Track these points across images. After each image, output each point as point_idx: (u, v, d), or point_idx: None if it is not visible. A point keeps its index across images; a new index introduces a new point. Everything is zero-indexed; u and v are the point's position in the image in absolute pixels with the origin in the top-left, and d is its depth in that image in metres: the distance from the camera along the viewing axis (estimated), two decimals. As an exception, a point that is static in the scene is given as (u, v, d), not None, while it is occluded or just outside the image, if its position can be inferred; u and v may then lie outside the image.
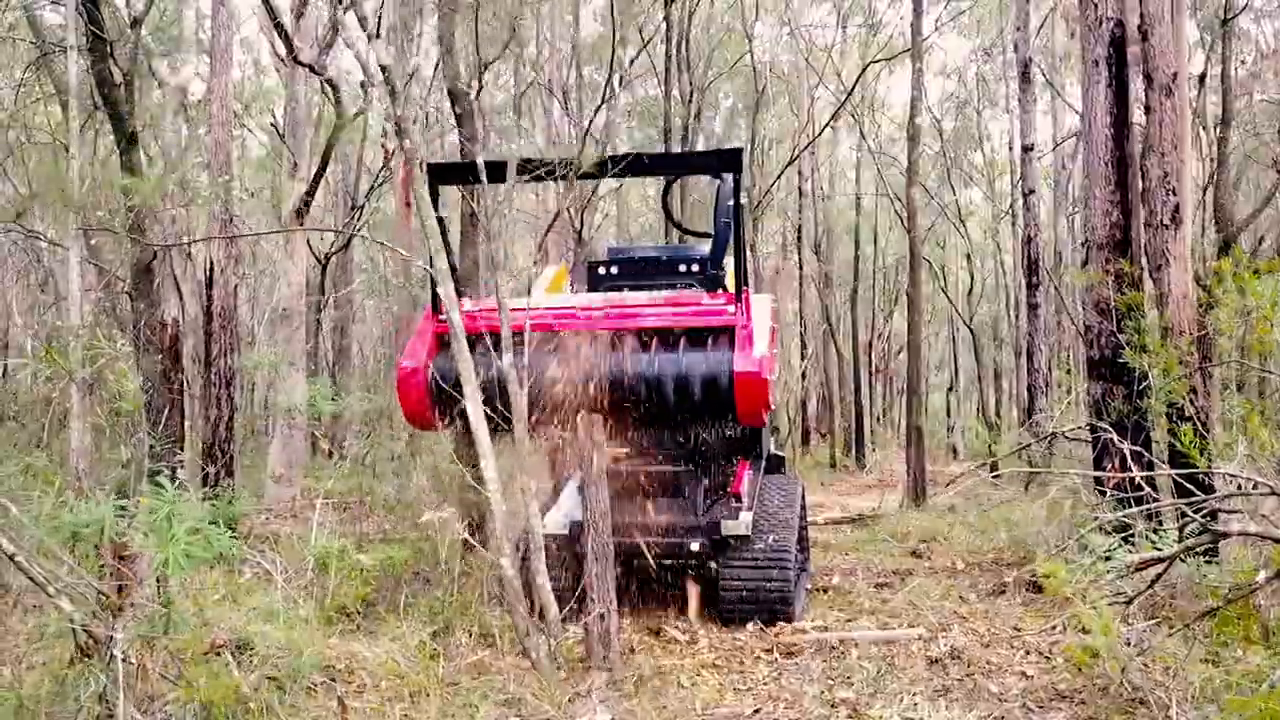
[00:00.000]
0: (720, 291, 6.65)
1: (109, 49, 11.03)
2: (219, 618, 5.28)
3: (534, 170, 6.02)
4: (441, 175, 6.17)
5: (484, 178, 5.88)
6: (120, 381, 4.47)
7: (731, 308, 6.10)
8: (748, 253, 6.51)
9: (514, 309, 6.42)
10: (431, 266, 6.05)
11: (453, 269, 6.45)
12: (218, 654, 4.72)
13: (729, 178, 6.64)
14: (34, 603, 4.22)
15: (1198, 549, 4.54)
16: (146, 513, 3.34)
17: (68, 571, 3.69)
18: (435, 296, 6.25)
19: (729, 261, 7.00)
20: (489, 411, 5.89)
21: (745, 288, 6.11)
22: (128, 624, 3.45)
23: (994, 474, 15.52)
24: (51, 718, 3.50)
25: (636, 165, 5.76)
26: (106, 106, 11.64)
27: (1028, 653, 5.93)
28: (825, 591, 8.33)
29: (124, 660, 3.54)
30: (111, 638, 3.31)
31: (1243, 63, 20.83)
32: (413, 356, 6.24)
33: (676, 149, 20.87)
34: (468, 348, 5.70)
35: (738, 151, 5.68)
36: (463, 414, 5.75)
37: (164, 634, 3.44)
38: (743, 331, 5.98)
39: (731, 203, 6.27)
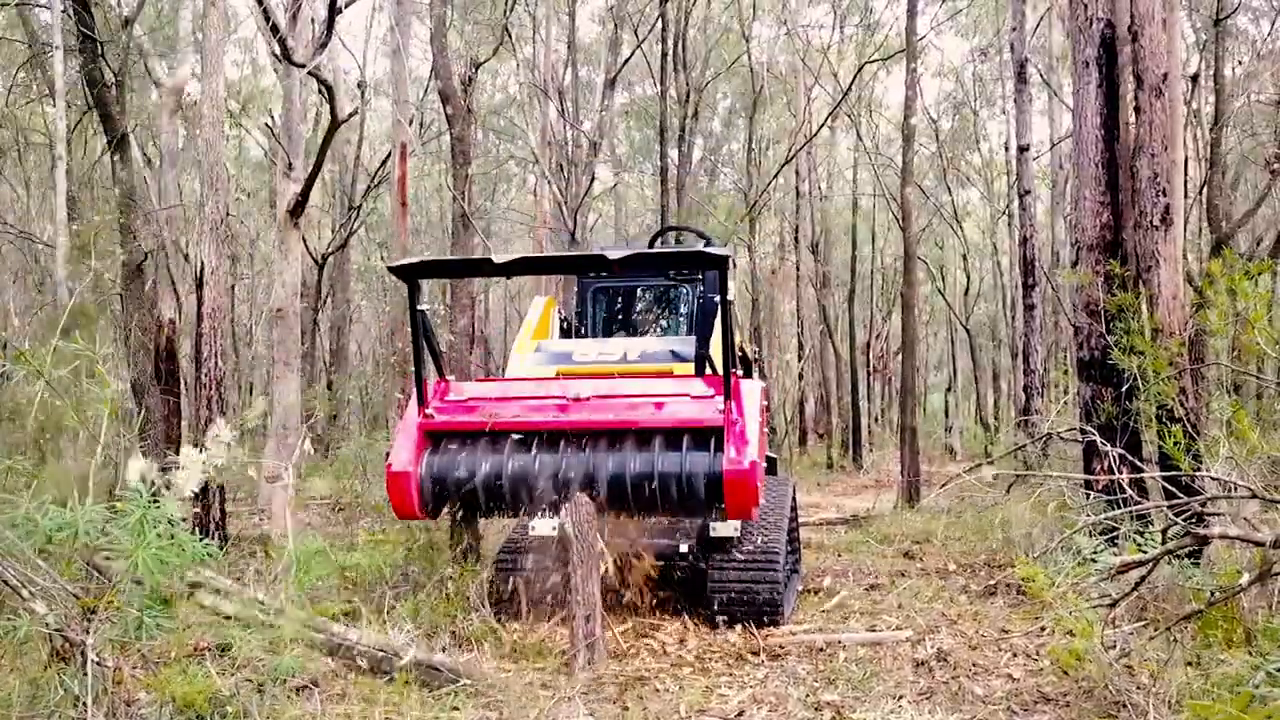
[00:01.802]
0: (709, 374, 6.48)
1: (99, 49, 11.06)
2: (200, 621, 5.27)
3: (522, 268, 5.88)
4: (420, 272, 5.94)
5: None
6: (99, 383, 4.44)
7: (720, 403, 5.94)
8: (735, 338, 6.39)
9: (494, 399, 6.36)
10: (414, 364, 6.12)
11: (435, 356, 6.45)
12: (200, 658, 4.71)
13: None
14: (15, 605, 4.20)
15: (1182, 551, 4.53)
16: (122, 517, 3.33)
17: (44, 575, 3.68)
18: (420, 390, 6.20)
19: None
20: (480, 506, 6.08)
21: (735, 372, 5.99)
22: (101, 627, 3.44)
23: (990, 475, 15.50)
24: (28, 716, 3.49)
25: (625, 262, 5.63)
26: (97, 106, 11.68)
27: (1014, 655, 5.92)
28: (816, 593, 8.32)
29: (98, 664, 3.52)
30: (84, 641, 3.30)
31: (1240, 63, 20.81)
32: (401, 458, 6.12)
33: (673, 150, 20.87)
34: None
35: (724, 258, 5.57)
36: (452, 509, 6.07)
37: (137, 637, 3.42)
38: (733, 429, 5.87)
39: (718, 297, 6.11)
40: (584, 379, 6.99)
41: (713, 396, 6.08)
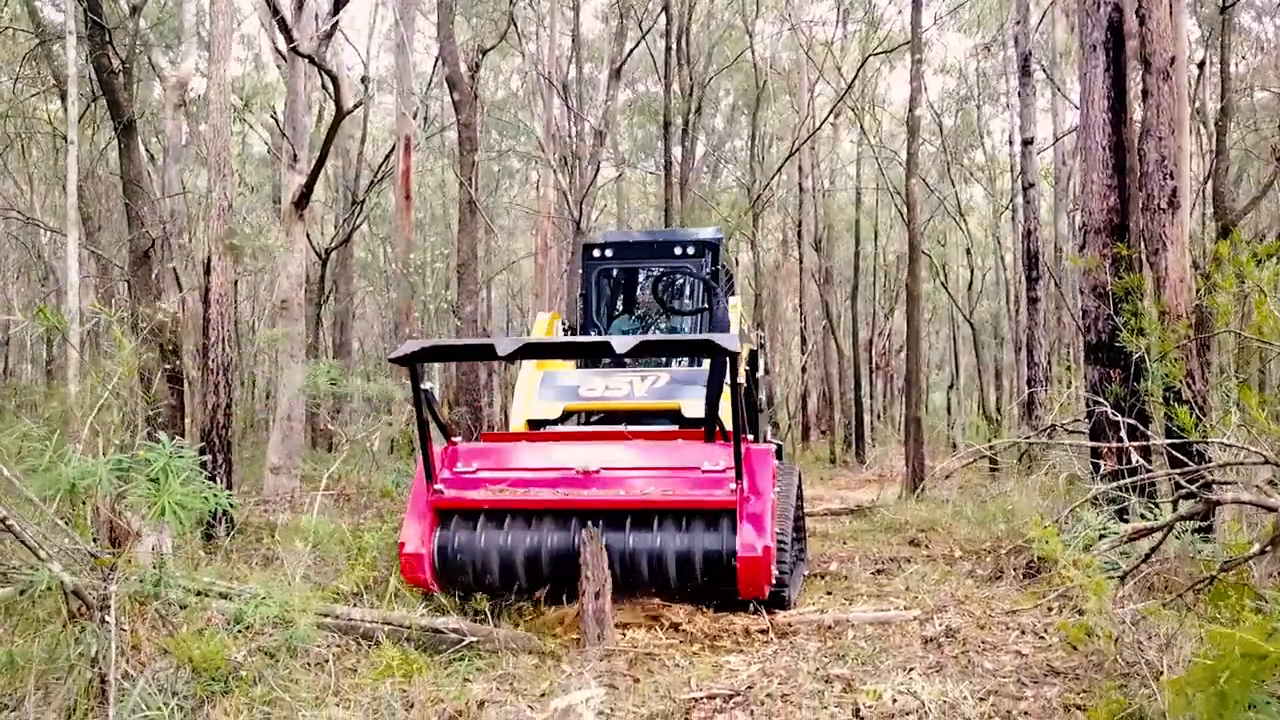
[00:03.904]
0: (720, 439, 6.40)
1: (107, 36, 11.10)
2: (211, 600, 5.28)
3: (525, 354, 5.88)
4: (420, 358, 5.90)
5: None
6: (117, 344, 4.46)
7: (733, 483, 5.93)
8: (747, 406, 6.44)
9: (502, 470, 6.38)
10: (420, 441, 6.15)
11: (441, 427, 6.52)
12: (213, 631, 4.72)
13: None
14: (32, 565, 4.22)
15: (1192, 518, 4.53)
16: (143, 465, 3.34)
17: (61, 536, 3.69)
18: (428, 467, 6.25)
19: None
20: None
21: (746, 438, 5.95)
22: (118, 586, 3.45)
23: (992, 468, 15.54)
24: (43, 677, 3.50)
25: (641, 349, 5.61)
26: (105, 94, 11.71)
27: (1023, 633, 5.92)
28: (823, 577, 8.34)
29: (116, 625, 3.54)
30: (105, 597, 3.31)
31: (1243, 59, 20.86)
32: (412, 540, 6.17)
33: (677, 147, 20.91)
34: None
35: (735, 355, 5.58)
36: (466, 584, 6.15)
37: (155, 590, 3.43)
38: (745, 509, 5.89)
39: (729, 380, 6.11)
40: (591, 428, 7.21)
41: (725, 471, 6.07)
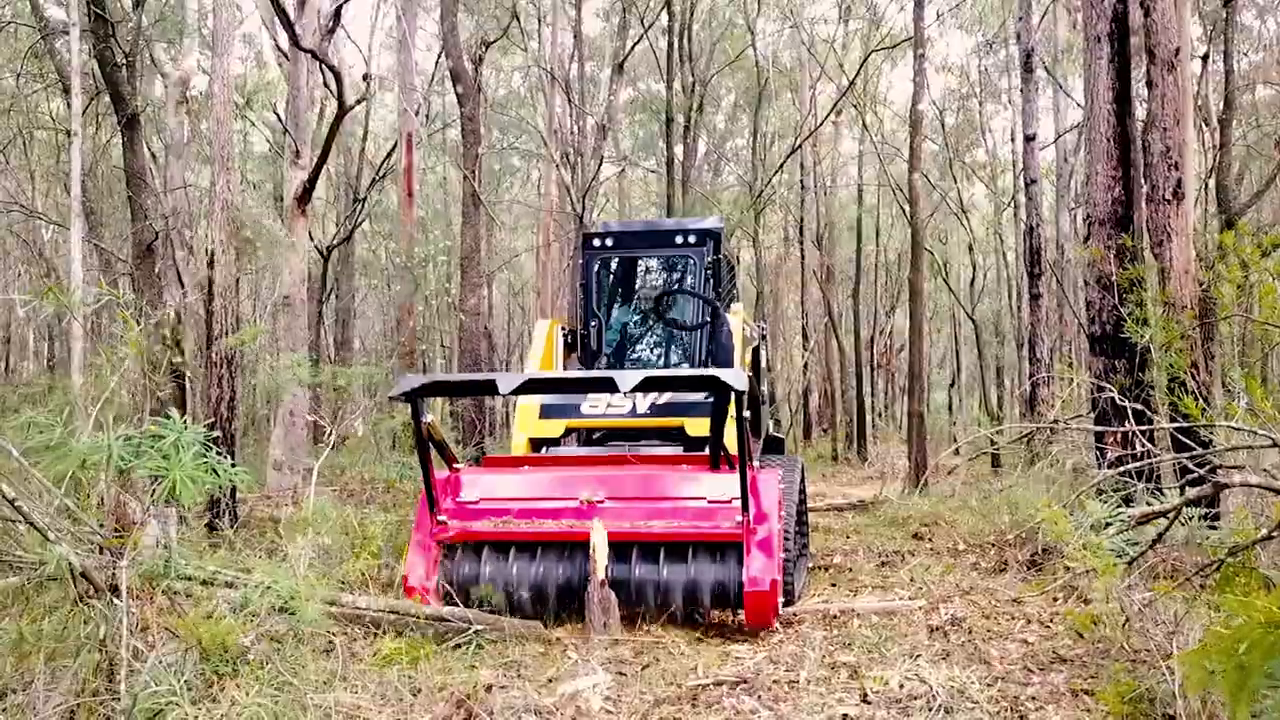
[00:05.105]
0: (725, 465, 6.36)
1: (111, 30, 11.11)
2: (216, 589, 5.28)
3: (528, 389, 5.87)
4: (422, 393, 5.90)
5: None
6: (124, 323, 4.46)
7: (739, 515, 5.95)
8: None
9: (505, 500, 6.37)
10: (422, 472, 6.17)
11: (443, 452, 6.51)
12: (220, 618, 4.72)
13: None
14: (38, 552, 4.22)
15: (1200, 502, 4.53)
16: (153, 440, 3.33)
17: (69, 520, 3.69)
18: (431, 500, 6.26)
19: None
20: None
21: (751, 465, 5.95)
22: (128, 570, 3.45)
23: (995, 464, 15.53)
24: (52, 659, 3.50)
25: (645, 385, 5.58)
26: (108, 87, 11.72)
27: (1028, 622, 5.93)
28: (827, 570, 8.34)
29: (127, 609, 3.53)
30: (114, 578, 3.31)
31: (1245, 56, 20.87)
32: (417, 571, 6.16)
33: (678, 144, 20.91)
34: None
35: (741, 393, 5.55)
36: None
37: (165, 569, 3.43)
38: (752, 537, 5.90)
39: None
40: (593, 449, 7.22)
41: (730, 502, 6.07)
